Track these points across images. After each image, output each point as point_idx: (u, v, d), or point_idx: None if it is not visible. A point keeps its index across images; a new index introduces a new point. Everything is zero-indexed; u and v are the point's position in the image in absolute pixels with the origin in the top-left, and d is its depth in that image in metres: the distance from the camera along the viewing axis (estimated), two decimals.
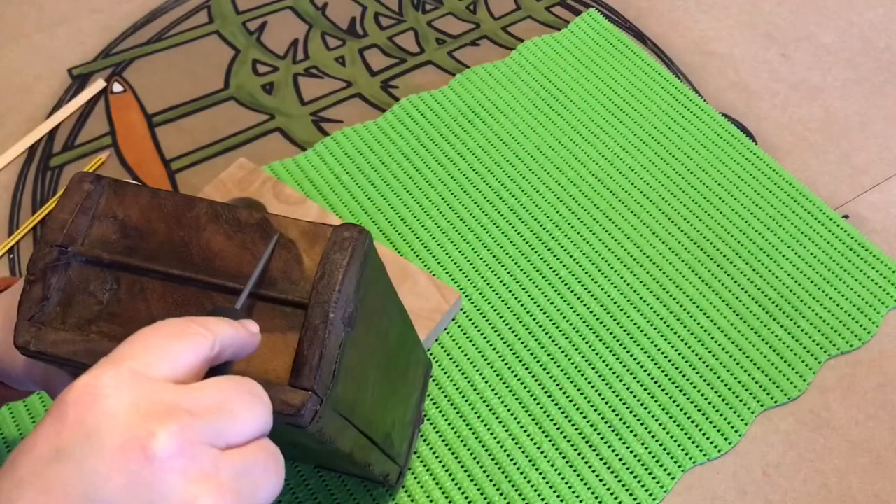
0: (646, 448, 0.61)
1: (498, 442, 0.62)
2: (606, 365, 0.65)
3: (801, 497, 0.60)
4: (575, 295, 0.69)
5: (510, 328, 0.67)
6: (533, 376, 0.65)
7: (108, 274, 0.41)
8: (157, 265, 0.41)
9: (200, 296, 0.41)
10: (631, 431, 0.62)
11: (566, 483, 0.60)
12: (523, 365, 0.65)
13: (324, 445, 0.43)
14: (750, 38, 0.91)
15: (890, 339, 0.68)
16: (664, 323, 0.68)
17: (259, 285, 0.41)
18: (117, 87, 0.84)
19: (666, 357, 0.66)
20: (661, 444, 0.62)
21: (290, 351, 0.40)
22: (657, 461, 0.61)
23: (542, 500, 0.59)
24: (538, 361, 0.65)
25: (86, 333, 0.40)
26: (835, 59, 0.89)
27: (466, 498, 0.59)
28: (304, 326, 0.39)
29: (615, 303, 0.69)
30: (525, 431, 0.62)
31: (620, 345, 0.66)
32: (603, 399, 0.64)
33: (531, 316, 0.68)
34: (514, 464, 0.60)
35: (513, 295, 0.69)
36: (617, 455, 0.61)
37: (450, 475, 0.60)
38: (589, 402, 0.63)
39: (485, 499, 0.59)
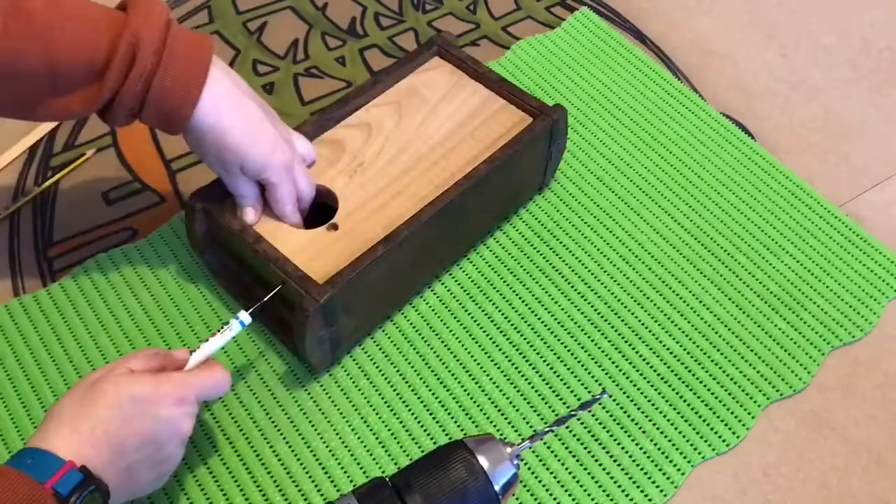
0: (655, 444, 0.61)
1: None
2: (613, 363, 0.65)
3: (801, 497, 0.60)
4: (579, 294, 0.69)
5: (515, 328, 0.67)
6: (540, 376, 0.65)
7: None
8: None
9: None
10: (639, 428, 0.62)
11: (576, 481, 0.60)
12: (530, 365, 0.65)
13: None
14: (750, 38, 0.91)
15: (890, 339, 0.68)
16: (668, 319, 0.68)
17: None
18: None
19: (671, 353, 0.66)
20: (669, 440, 0.62)
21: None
22: (667, 457, 0.61)
23: (553, 497, 0.59)
24: (544, 361, 0.65)
25: None
26: (835, 59, 0.89)
27: None
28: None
29: (619, 300, 0.69)
30: (533, 430, 0.62)
31: (625, 341, 0.66)
32: (611, 397, 0.64)
33: (536, 316, 0.68)
34: (524, 462, 0.60)
35: (517, 295, 0.69)
36: (627, 452, 0.61)
37: None
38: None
39: None
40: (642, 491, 0.59)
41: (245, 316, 0.57)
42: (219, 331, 0.56)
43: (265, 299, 0.59)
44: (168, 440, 0.51)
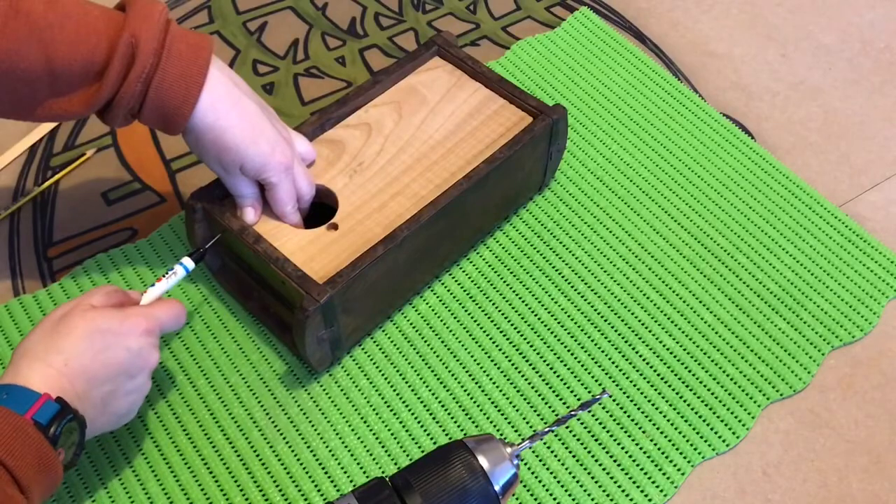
0: (655, 444, 0.61)
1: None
2: (613, 363, 0.65)
3: (801, 497, 0.60)
4: (579, 294, 0.69)
5: (515, 328, 0.67)
6: (540, 376, 0.65)
7: None
8: None
9: None
10: (640, 428, 0.62)
11: (576, 481, 0.60)
12: (530, 365, 0.65)
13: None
14: (750, 38, 0.91)
15: (890, 339, 0.68)
16: (668, 319, 0.68)
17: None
18: None
19: (671, 353, 0.66)
20: (669, 440, 0.62)
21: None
22: (667, 457, 0.61)
23: (553, 497, 0.59)
24: (544, 361, 0.65)
25: None
26: (835, 59, 0.89)
27: None
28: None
29: (619, 300, 0.69)
30: (533, 430, 0.62)
31: (625, 342, 0.66)
32: (611, 397, 0.64)
33: (536, 316, 0.68)
34: (524, 462, 0.60)
35: (517, 295, 0.69)
36: (627, 452, 0.61)
37: None
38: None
39: None
40: (642, 491, 0.59)
41: (188, 261, 0.60)
42: (164, 276, 0.59)
43: (209, 244, 0.62)
44: (139, 370, 0.53)
